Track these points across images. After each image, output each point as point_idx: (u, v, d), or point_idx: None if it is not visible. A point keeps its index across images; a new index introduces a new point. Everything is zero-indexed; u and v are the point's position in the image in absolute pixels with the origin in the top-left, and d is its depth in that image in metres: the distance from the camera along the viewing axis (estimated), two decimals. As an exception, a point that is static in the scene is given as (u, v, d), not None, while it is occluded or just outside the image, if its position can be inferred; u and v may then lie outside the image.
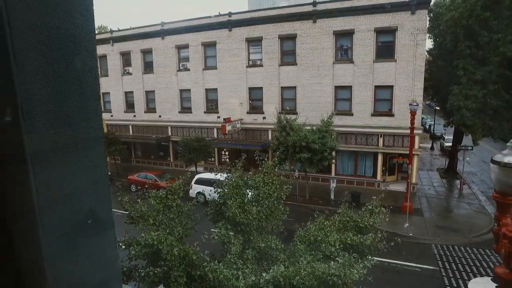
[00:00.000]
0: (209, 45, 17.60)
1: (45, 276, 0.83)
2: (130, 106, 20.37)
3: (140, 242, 4.80)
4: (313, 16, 14.41)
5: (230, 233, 5.38)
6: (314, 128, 12.41)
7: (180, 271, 4.72)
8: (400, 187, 13.99)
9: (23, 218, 0.80)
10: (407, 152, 12.24)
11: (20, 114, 0.77)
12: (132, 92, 20.13)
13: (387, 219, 5.74)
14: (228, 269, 4.17)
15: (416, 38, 12.90)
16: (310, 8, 14.58)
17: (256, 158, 7.03)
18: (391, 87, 13.66)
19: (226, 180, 6.15)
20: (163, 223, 5.50)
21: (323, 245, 5.02)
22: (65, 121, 0.86)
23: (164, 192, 5.80)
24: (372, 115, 14.18)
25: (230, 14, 16.55)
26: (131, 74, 19.91)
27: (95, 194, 0.96)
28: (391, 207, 8.23)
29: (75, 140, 0.90)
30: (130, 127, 20.46)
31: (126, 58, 19.97)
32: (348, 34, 14.15)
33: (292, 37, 15.10)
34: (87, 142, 0.94)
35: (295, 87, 15.38)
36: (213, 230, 5.51)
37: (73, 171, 0.89)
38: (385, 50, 13.69)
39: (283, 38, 15.33)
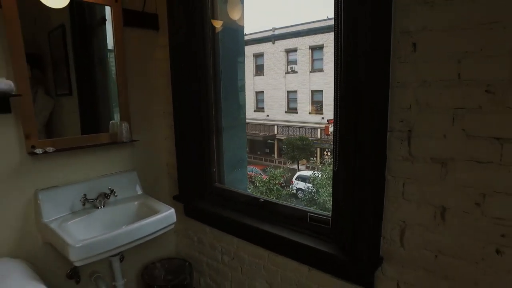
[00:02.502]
0: (317, 48, 18.69)
1: (224, 180, 2.21)
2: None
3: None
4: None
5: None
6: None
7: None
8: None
9: (217, 158, 2.17)
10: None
11: (219, 111, 2.18)
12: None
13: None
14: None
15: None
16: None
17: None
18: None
19: (320, 173, 7.28)
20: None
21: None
22: (230, 115, 2.23)
23: (267, 178, 7.28)
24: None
25: (339, 17, 17.32)
26: (244, 76, 22.42)
27: (241, 150, 2.34)
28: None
29: (233, 124, 2.28)
30: (241, 124, 23.01)
31: (240, 61, 22.59)
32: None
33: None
34: (238, 125, 2.33)
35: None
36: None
37: (235, 139, 2.29)
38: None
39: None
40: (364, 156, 1.22)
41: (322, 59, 18.36)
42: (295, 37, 19.30)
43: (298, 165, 18.31)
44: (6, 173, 1.64)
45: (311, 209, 1.57)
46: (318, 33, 18.03)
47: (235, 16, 2.12)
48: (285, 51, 20.33)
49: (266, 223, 1.70)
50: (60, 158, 1.81)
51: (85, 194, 1.85)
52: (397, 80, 1.16)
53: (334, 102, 1.29)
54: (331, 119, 16.88)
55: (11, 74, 1.57)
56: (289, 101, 21.01)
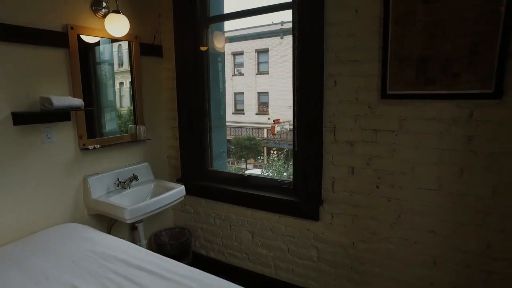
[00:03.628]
0: (262, 52, 19.91)
1: (213, 164, 3.09)
2: (189, 107, 23.34)
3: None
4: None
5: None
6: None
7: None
8: None
9: (206, 149, 3.07)
10: None
11: (211, 115, 3.07)
12: (191, 94, 23.09)
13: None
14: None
15: None
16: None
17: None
18: None
19: (270, 169, 8.32)
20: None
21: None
22: (216, 117, 3.13)
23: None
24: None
25: (282, 23, 18.73)
26: (191, 78, 22.90)
27: (223, 144, 3.27)
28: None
29: (219, 125, 3.20)
30: (189, 126, 23.44)
31: (187, 63, 23.03)
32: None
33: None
34: (220, 126, 3.25)
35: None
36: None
37: (219, 135, 3.22)
38: None
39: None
40: (311, 141, 2.22)
41: (267, 62, 19.67)
42: (242, 40, 20.38)
43: (246, 164, 19.40)
44: (66, 164, 2.38)
45: (279, 178, 2.54)
46: (264, 37, 19.30)
47: (218, 45, 3.03)
48: (232, 54, 21.33)
49: (249, 189, 2.63)
50: (100, 152, 2.57)
51: (118, 178, 2.62)
52: (327, 99, 2.17)
53: (293, 111, 2.26)
54: (277, 119, 18.09)
55: (71, 93, 2.32)
56: (236, 102, 22.04)
